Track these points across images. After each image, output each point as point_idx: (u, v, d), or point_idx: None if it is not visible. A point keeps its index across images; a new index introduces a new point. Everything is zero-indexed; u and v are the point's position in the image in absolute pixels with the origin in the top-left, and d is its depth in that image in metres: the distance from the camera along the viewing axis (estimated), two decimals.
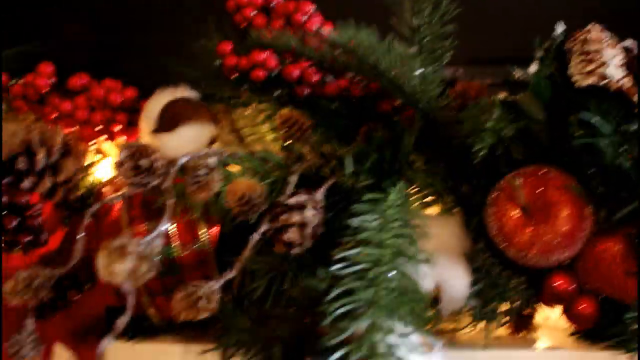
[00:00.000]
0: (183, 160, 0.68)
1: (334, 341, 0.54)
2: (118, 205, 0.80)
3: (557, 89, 0.72)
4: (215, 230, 0.76)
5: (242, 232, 0.71)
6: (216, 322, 0.75)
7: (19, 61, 1.00)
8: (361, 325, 0.54)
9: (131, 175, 0.67)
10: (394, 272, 0.59)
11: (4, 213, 0.74)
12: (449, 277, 0.71)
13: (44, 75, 0.91)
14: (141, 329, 0.80)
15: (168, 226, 0.64)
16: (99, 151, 0.98)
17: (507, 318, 0.76)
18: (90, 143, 0.95)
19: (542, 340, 0.79)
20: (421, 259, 0.61)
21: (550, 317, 0.80)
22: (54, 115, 0.95)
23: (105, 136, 0.97)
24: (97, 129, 0.94)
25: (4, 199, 0.73)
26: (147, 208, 0.77)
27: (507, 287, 0.74)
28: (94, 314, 0.79)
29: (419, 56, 0.70)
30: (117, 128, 0.96)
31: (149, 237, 0.60)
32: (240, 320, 0.71)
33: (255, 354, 0.71)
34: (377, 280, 0.58)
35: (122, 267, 0.56)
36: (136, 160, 0.66)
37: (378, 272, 0.58)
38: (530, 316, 0.79)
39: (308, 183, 0.72)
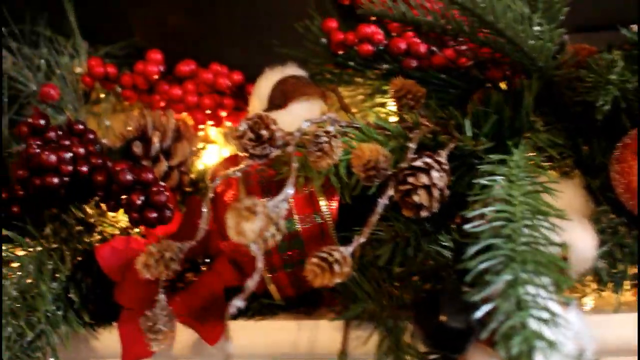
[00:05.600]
0: (305, 125, 0.68)
1: (478, 296, 0.54)
2: (235, 183, 0.80)
3: None
4: (335, 202, 0.76)
5: (360, 204, 0.71)
6: (336, 294, 0.75)
7: (125, 54, 1.02)
8: (504, 279, 0.54)
9: (252, 146, 0.66)
10: (527, 229, 0.58)
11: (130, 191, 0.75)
12: (575, 237, 0.70)
13: (154, 63, 0.94)
14: (260, 308, 0.80)
15: (292, 192, 0.64)
16: (205, 138, 1.00)
17: (636, 282, 0.75)
18: (199, 128, 0.97)
19: None
20: (553, 215, 0.60)
21: None
22: (163, 103, 0.97)
23: (212, 122, 0.99)
24: (206, 113, 0.96)
25: (129, 177, 0.74)
26: (264, 185, 0.77)
27: (636, 248, 0.72)
28: (213, 294, 0.80)
29: (535, 14, 0.69)
30: (224, 113, 0.98)
31: (276, 199, 0.60)
32: (366, 288, 0.71)
33: (383, 322, 0.71)
34: (513, 236, 0.57)
35: (251, 226, 0.56)
36: (257, 131, 0.66)
37: (513, 228, 0.58)
38: None
39: (427, 150, 0.71)
